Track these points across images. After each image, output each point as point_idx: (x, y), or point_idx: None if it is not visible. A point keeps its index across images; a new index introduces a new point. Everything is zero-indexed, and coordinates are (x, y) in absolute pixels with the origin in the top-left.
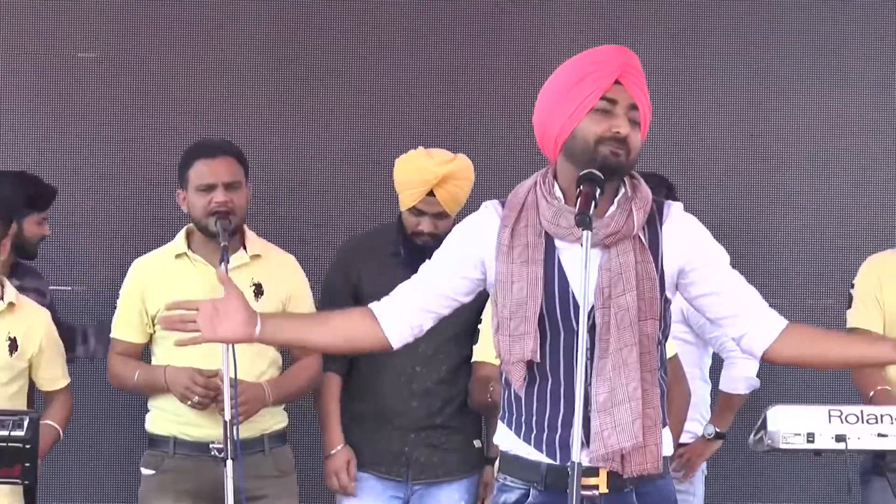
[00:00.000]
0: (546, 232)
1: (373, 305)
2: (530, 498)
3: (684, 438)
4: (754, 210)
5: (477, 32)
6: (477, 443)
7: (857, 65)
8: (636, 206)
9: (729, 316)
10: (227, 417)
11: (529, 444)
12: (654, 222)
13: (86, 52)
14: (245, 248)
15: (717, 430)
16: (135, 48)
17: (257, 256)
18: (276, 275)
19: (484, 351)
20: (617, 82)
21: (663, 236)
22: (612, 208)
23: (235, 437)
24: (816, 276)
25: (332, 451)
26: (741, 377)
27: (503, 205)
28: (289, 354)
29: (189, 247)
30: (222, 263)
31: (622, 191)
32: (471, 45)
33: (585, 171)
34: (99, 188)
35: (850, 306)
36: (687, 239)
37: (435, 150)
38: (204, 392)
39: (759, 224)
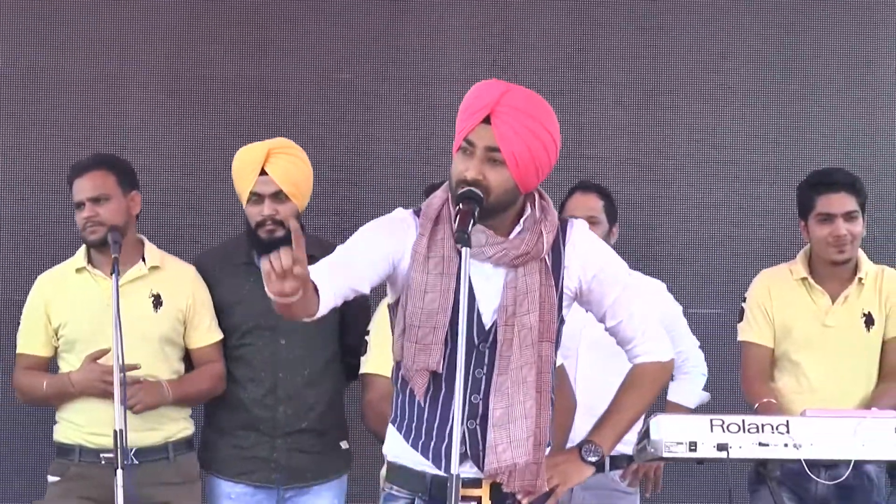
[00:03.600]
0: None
1: (313, 277)
2: None
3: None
4: (646, 219)
5: (374, 35)
6: (344, 444)
7: (754, 75)
8: (546, 229)
9: (619, 330)
10: (118, 427)
11: (417, 450)
12: (557, 243)
13: None
14: (144, 259)
15: None
16: (26, 63)
17: (156, 268)
18: (175, 285)
19: (375, 363)
20: (487, 121)
21: (565, 256)
22: (519, 228)
23: (125, 447)
24: (707, 286)
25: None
26: (692, 391)
27: (417, 213)
28: (190, 363)
29: (89, 261)
30: (113, 274)
31: (528, 212)
32: (369, 51)
33: (464, 190)
34: None
35: (741, 319)
36: (588, 257)
37: None
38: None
39: (651, 232)
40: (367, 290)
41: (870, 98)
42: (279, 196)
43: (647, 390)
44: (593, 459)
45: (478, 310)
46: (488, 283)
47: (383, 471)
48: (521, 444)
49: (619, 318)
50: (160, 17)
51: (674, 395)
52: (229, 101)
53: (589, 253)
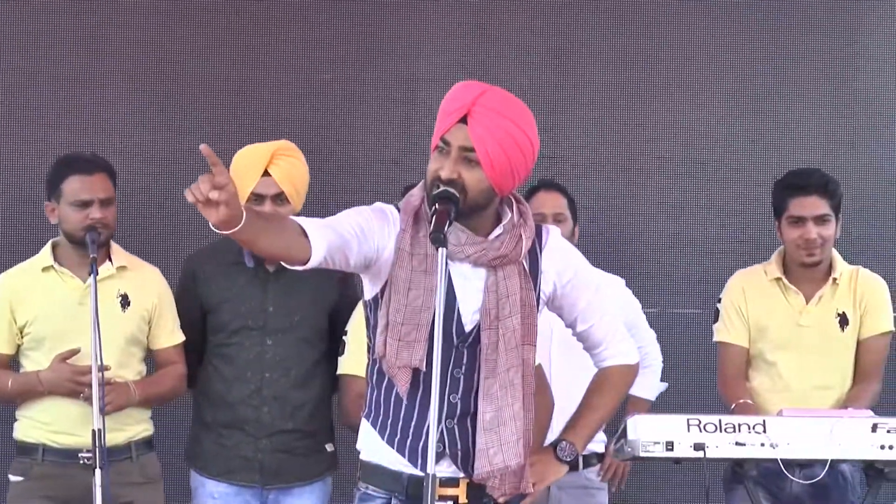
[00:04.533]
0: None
1: (303, 224)
2: None
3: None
4: (620, 220)
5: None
6: (329, 447)
7: (727, 73)
8: (525, 234)
9: (589, 334)
10: (96, 426)
11: (393, 447)
12: (534, 248)
13: None
14: (111, 260)
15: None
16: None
17: (123, 268)
18: (142, 286)
19: (352, 364)
20: (464, 120)
21: (542, 261)
22: (499, 231)
23: (104, 447)
24: (682, 286)
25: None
26: (652, 384)
27: (398, 209)
28: (153, 365)
29: (55, 260)
30: (91, 275)
31: (509, 216)
32: (349, 50)
33: (441, 190)
34: None
35: (716, 320)
36: (563, 263)
37: None
38: (90, 381)
39: (625, 233)
40: (352, 263)
41: (846, 96)
42: (280, 198)
43: (616, 392)
44: (569, 459)
45: (458, 309)
46: (467, 283)
47: None
48: (512, 447)
49: (590, 323)
50: (134, 16)
51: (636, 389)
52: (207, 101)
53: (564, 259)
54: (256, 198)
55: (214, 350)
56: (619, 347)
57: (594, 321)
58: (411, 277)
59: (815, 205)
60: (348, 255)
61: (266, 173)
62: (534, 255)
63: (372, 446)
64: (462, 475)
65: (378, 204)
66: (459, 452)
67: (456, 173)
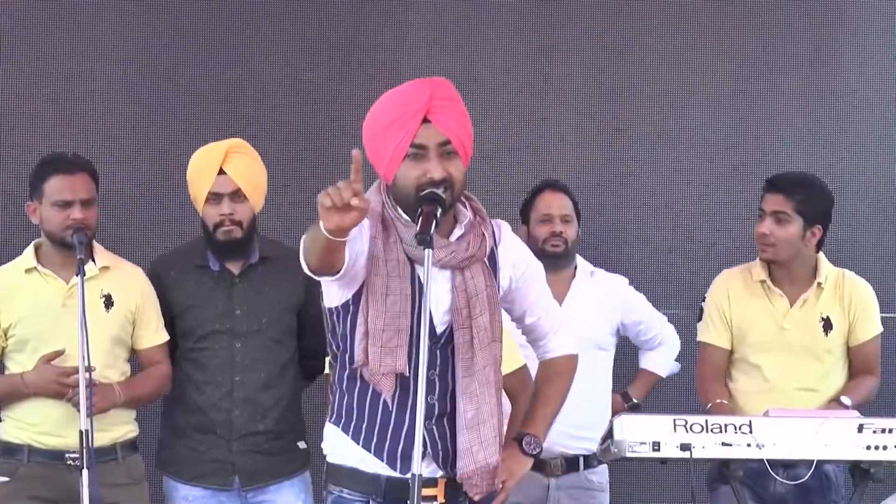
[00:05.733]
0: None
1: None
2: None
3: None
4: (609, 220)
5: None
6: (301, 444)
7: (717, 76)
8: (487, 232)
9: (537, 326)
10: (83, 427)
11: (370, 451)
12: (492, 244)
13: None
14: (94, 260)
15: (636, 400)
16: None
17: (106, 268)
18: (125, 286)
19: None
20: (426, 120)
21: (499, 258)
22: (460, 231)
23: (91, 447)
24: (669, 286)
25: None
26: (666, 361)
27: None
28: (137, 365)
29: (38, 261)
30: (79, 276)
31: (467, 215)
32: (331, 50)
33: (427, 192)
34: None
35: (700, 318)
36: (516, 257)
37: None
38: (75, 382)
39: (614, 233)
40: (345, 270)
41: (834, 99)
42: (237, 195)
43: (566, 382)
44: (536, 452)
45: (430, 313)
46: (435, 286)
47: None
48: (491, 444)
49: (538, 315)
50: (120, 15)
51: (649, 363)
52: (190, 101)
53: (517, 252)
54: (214, 197)
55: (185, 355)
56: (563, 339)
57: (542, 313)
58: (388, 284)
59: (775, 202)
60: (347, 263)
61: (221, 171)
62: (492, 251)
63: (343, 450)
64: (440, 475)
65: None
66: (441, 453)
67: (446, 171)
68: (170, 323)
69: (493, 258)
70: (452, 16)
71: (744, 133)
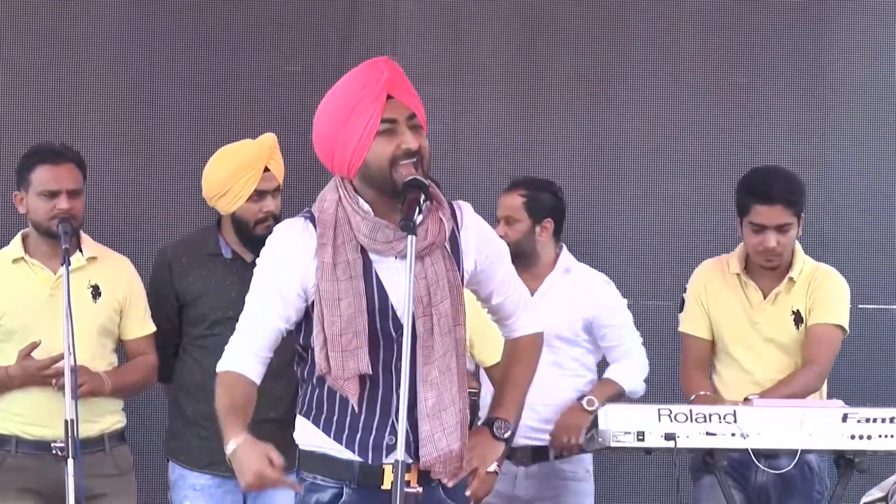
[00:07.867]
0: (362, 247)
1: (237, 367)
2: (344, 497)
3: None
4: (592, 212)
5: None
6: None
7: (702, 69)
8: (445, 217)
9: (503, 306)
10: (69, 416)
11: (340, 443)
12: (453, 228)
13: None
14: (81, 250)
15: (587, 406)
16: None
17: (94, 259)
18: (113, 276)
19: None
20: (389, 97)
21: (461, 241)
22: (419, 219)
23: (76, 437)
24: (652, 278)
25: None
26: (630, 374)
27: (312, 221)
28: (124, 355)
29: (25, 251)
30: (64, 265)
31: (423, 200)
32: (319, 43)
33: (411, 178)
34: None
35: (681, 309)
36: (480, 239)
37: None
38: (58, 369)
39: (597, 224)
40: (291, 328)
41: (817, 93)
42: (277, 191)
43: (533, 360)
44: (507, 436)
45: (391, 305)
46: (396, 276)
47: None
48: (454, 431)
49: (505, 295)
50: (116, 8)
51: (610, 372)
52: (179, 95)
53: (480, 234)
54: (259, 194)
55: (194, 342)
56: (528, 317)
57: (507, 293)
58: (339, 288)
59: (778, 215)
60: (283, 332)
61: (265, 169)
62: (453, 235)
63: (315, 439)
64: (410, 462)
65: (287, 225)
66: (412, 443)
67: (418, 143)
68: (178, 311)
69: (455, 242)
70: (450, 13)
71: (727, 125)
